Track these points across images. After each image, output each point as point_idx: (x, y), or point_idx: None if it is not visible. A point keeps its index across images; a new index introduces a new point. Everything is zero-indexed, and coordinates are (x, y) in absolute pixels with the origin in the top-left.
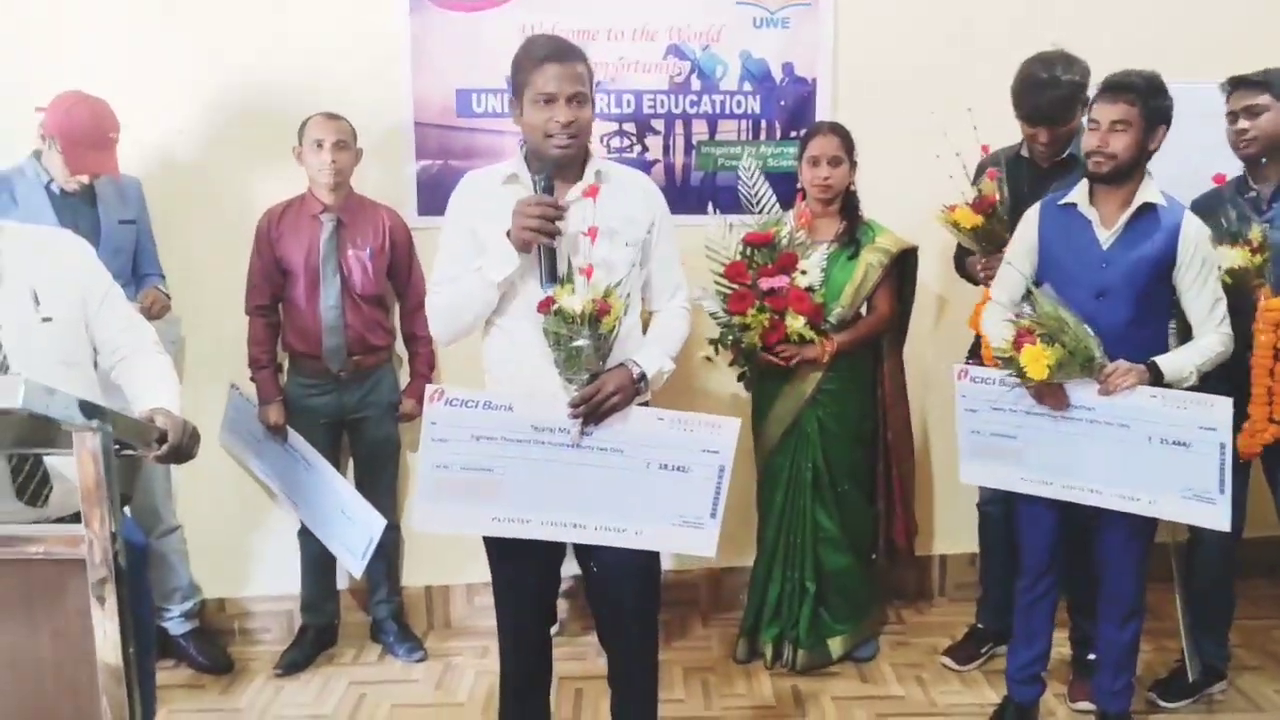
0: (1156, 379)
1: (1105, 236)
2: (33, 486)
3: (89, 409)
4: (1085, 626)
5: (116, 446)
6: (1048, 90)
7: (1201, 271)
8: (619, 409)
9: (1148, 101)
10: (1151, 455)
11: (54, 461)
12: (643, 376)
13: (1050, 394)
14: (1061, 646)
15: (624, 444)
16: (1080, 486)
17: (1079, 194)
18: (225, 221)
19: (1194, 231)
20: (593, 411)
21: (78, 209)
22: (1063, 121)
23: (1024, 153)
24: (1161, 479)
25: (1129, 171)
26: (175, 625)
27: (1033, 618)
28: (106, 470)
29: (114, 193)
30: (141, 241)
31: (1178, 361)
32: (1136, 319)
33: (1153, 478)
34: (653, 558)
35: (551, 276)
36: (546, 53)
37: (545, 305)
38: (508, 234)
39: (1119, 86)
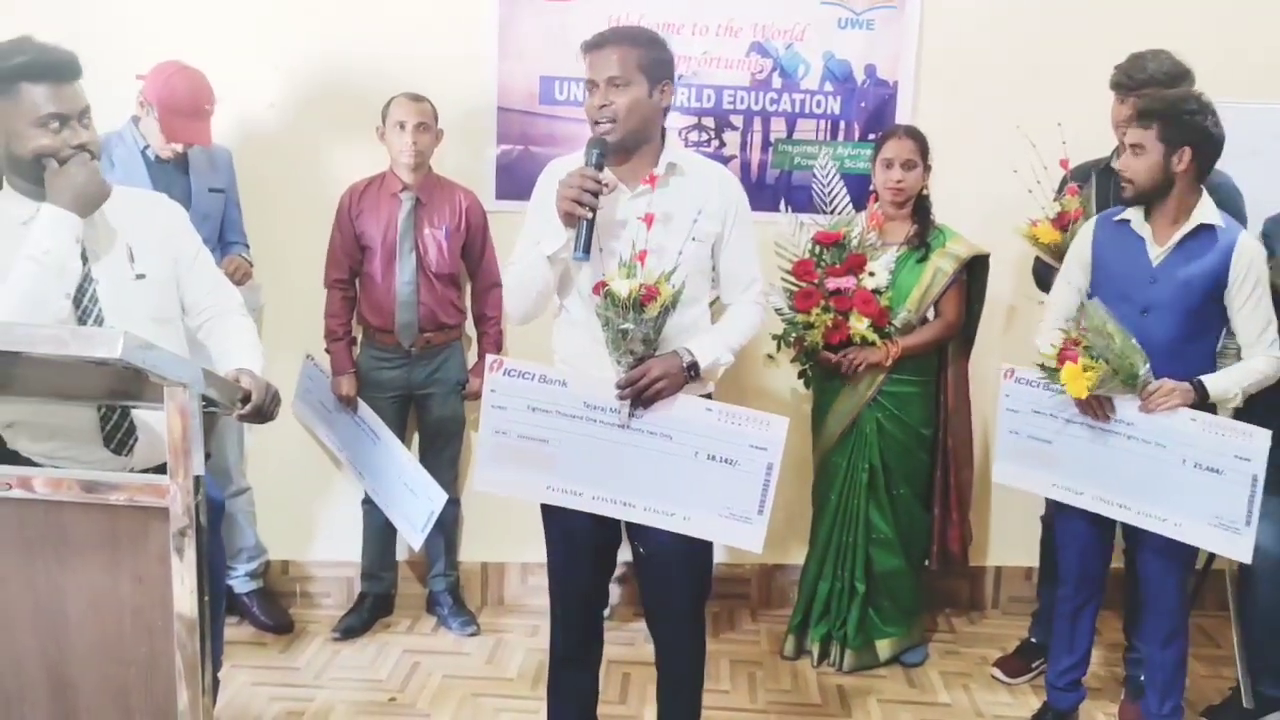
0: (1202, 398)
1: (1156, 254)
2: (119, 436)
3: (182, 365)
4: (1140, 646)
5: (203, 403)
6: (1149, 59)
7: (1254, 293)
8: (665, 395)
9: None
10: (1183, 478)
11: (140, 414)
12: (693, 365)
13: (1093, 405)
14: (1116, 666)
15: (673, 430)
16: (1110, 500)
17: (1134, 210)
18: (309, 195)
19: (1248, 251)
20: (637, 395)
21: (171, 175)
22: (1146, 96)
23: (1115, 164)
24: (1190, 503)
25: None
26: (240, 584)
27: (1073, 625)
28: (193, 425)
29: (206, 161)
30: (229, 210)
31: (1224, 382)
32: (1183, 337)
33: (1182, 500)
34: (703, 547)
35: (584, 249)
36: (587, 42)
37: (598, 288)
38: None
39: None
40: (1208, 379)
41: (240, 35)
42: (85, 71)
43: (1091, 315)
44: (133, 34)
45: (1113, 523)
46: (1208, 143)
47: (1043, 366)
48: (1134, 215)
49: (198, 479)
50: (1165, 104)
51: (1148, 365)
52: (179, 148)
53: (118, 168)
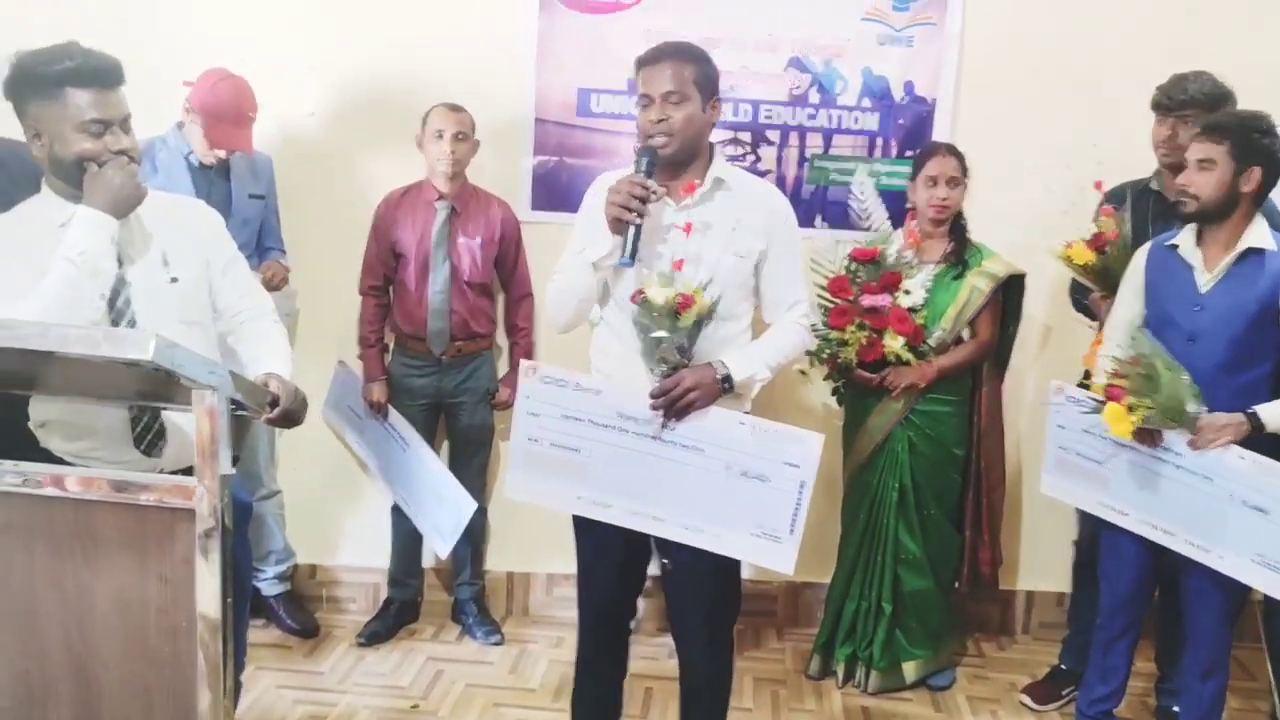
0: (1257, 429)
1: (1205, 280)
2: (149, 437)
3: (211, 368)
4: (1173, 677)
5: (231, 406)
6: (1190, 81)
7: None
8: (697, 406)
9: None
10: (1229, 513)
11: (170, 416)
12: (727, 378)
13: (1141, 436)
14: (1148, 696)
15: (705, 443)
16: (1157, 525)
17: (1184, 236)
18: (346, 202)
19: None
20: (670, 405)
21: (213, 181)
22: (1187, 116)
23: (1154, 185)
24: (1234, 538)
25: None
26: (268, 586)
27: (1110, 654)
28: (221, 427)
29: (247, 168)
30: (268, 216)
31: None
32: (1230, 365)
33: (1226, 534)
34: (729, 565)
35: (630, 255)
36: (643, 57)
37: (636, 296)
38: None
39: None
40: (1263, 409)
41: (283, 44)
42: (131, 76)
43: (1141, 349)
44: (178, 41)
45: (1160, 553)
46: (1275, 165)
47: (1092, 399)
48: (1184, 241)
49: (224, 481)
50: (1239, 120)
51: (1198, 402)
52: (221, 154)
53: (160, 172)
